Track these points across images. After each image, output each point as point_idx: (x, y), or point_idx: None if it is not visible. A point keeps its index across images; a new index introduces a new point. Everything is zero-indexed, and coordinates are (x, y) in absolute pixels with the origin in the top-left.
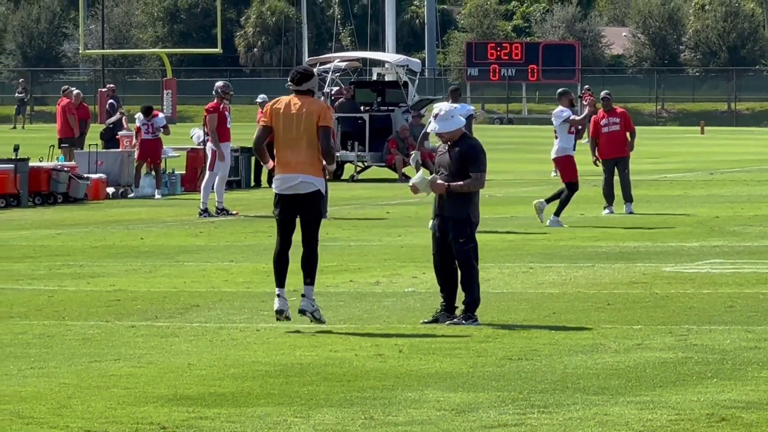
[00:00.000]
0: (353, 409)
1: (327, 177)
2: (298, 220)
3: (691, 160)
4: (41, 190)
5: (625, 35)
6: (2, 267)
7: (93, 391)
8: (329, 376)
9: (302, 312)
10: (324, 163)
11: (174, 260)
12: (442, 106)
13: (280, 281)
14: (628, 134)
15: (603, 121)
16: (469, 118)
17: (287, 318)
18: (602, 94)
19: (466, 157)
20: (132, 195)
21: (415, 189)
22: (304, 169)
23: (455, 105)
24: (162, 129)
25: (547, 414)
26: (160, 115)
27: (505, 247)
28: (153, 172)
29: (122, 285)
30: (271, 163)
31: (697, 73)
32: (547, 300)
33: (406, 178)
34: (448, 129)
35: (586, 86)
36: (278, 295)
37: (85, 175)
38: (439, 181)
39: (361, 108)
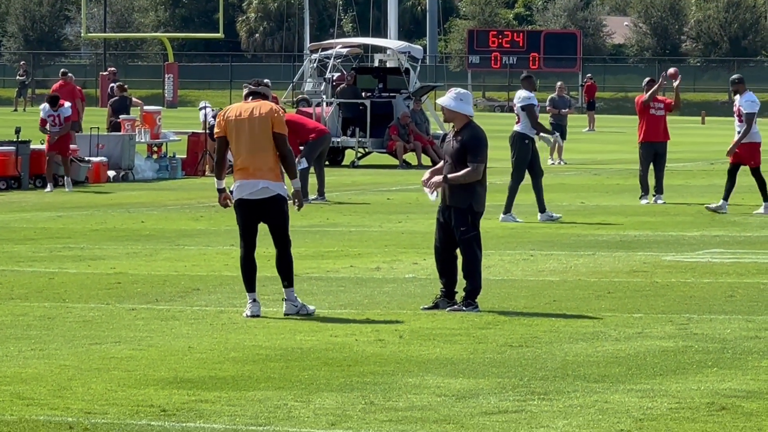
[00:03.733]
0: (353, 393)
1: (297, 204)
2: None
3: (691, 150)
4: (42, 172)
5: (626, 25)
6: (3, 249)
7: (93, 373)
8: (330, 361)
9: (288, 315)
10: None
11: (175, 244)
12: (460, 89)
13: (250, 286)
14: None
15: (652, 103)
16: (530, 107)
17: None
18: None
19: (467, 146)
20: (48, 190)
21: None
22: (263, 175)
23: (530, 93)
24: (65, 120)
25: (548, 401)
26: (66, 104)
27: (506, 235)
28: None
29: (123, 268)
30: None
31: (698, 64)
32: (547, 287)
33: (406, 164)
34: (454, 108)
35: (588, 75)
36: (253, 300)
37: (86, 158)
38: (434, 179)
39: (363, 94)
